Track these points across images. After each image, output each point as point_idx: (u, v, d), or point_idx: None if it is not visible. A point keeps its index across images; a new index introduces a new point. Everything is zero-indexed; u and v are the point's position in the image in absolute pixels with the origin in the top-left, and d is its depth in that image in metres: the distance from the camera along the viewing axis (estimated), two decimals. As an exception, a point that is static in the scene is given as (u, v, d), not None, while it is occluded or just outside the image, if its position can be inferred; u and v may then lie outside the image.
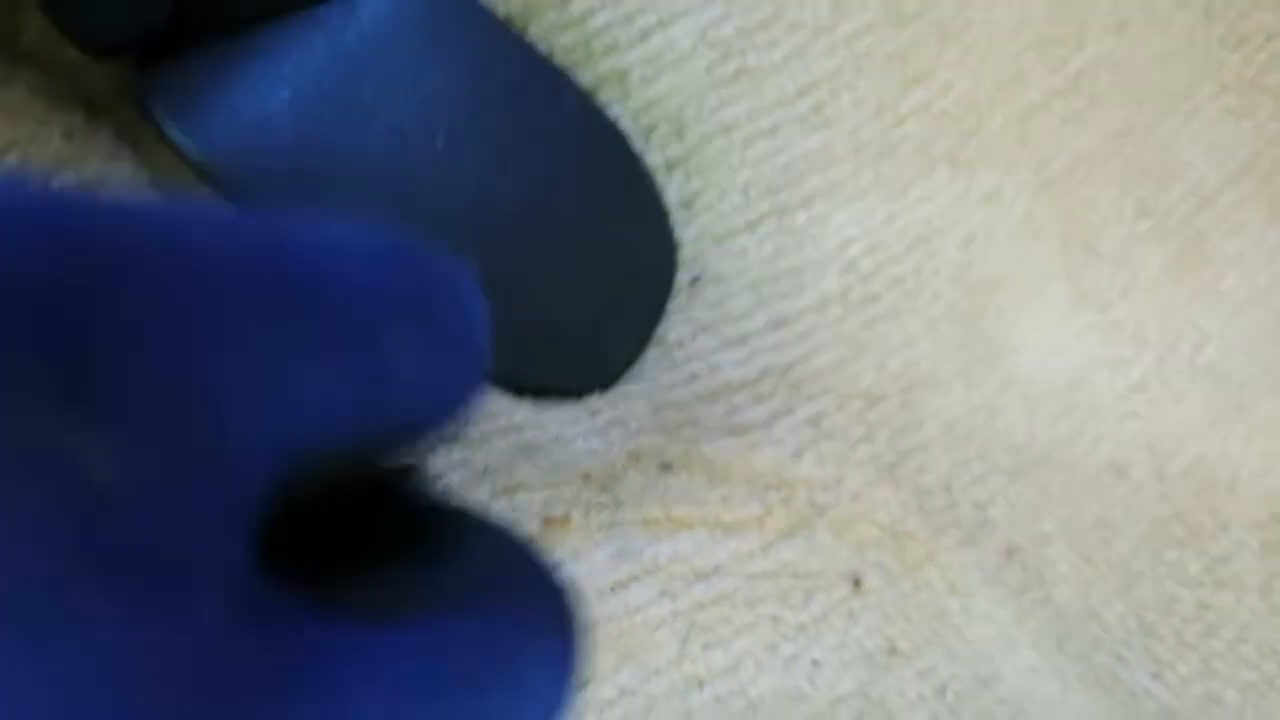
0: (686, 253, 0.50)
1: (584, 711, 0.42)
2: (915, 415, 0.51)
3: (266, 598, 0.17)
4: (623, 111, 0.50)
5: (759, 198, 0.51)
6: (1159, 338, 0.54)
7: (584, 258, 0.47)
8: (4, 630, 0.14)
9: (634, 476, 0.46)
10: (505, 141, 0.45)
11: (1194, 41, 0.57)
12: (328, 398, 0.17)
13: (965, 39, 0.54)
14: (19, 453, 0.14)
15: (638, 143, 0.50)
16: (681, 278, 0.50)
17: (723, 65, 0.50)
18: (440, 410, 0.20)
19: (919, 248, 0.53)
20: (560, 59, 0.49)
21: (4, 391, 0.14)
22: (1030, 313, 0.54)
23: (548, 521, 0.44)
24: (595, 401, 0.47)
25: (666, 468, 0.46)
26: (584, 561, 0.44)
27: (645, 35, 0.49)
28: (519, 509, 0.43)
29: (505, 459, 0.44)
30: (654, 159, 0.50)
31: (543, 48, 0.48)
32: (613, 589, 0.44)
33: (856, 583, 0.47)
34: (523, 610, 0.21)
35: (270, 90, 0.40)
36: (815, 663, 0.46)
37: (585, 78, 0.49)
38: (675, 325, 0.49)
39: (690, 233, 0.50)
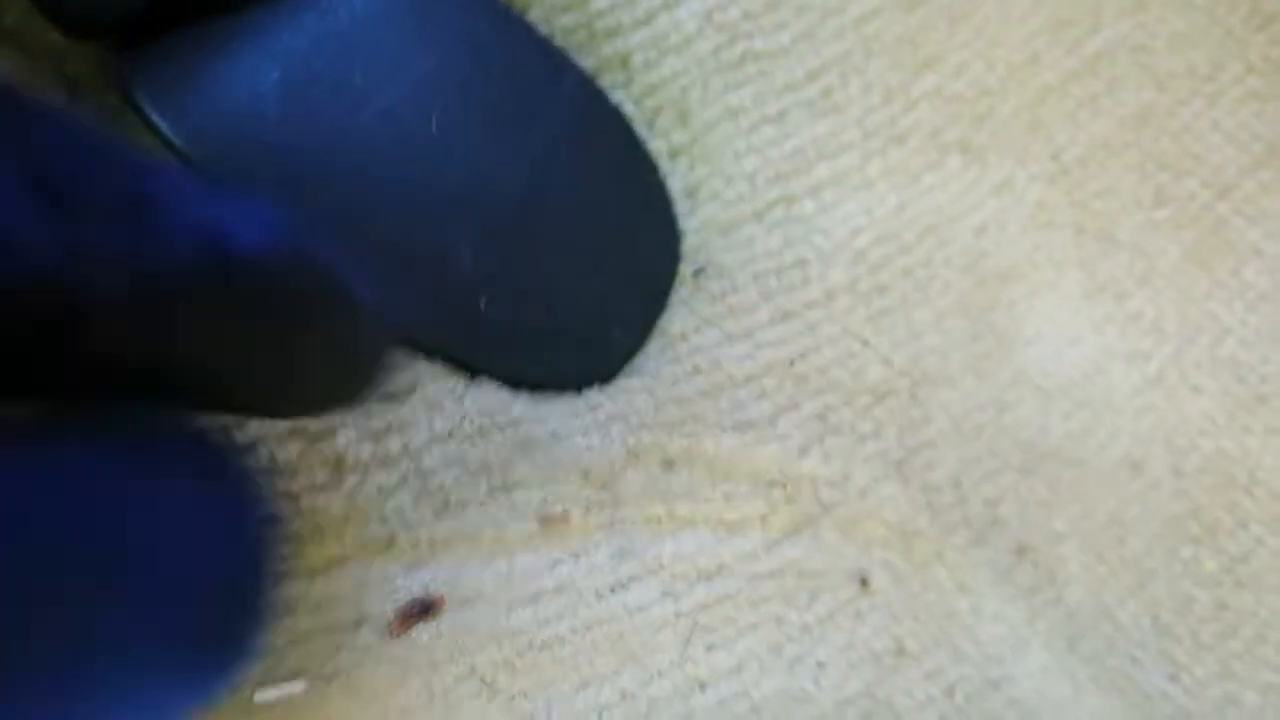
0: (690, 243, 0.49)
1: (584, 715, 0.41)
2: (924, 410, 0.50)
3: None
4: (625, 96, 0.49)
5: (765, 186, 0.50)
6: (1177, 329, 0.53)
7: (584, 247, 0.46)
8: None
9: (635, 473, 0.45)
10: (503, 126, 0.44)
11: (1216, 22, 0.56)
12: None
13: (977, 21, 0.53)
14: None
15: (640, 129, 0.49)
16: (685, 269, 0.49)
17: (729, 49, 0.49)
18: None
19: (929, 237, 0.51)
20: (561, 41, 0.48)
21: None
22: (1043, 304, 0.52)
23: (546, 520, 0.43)
24: (595, 396, 0.46)
25: (668, 464, 0.45)
26: (584, 561, 0.43)
27: (649, 17, 0.48)
28: (516, 507, 0.43)
29: (502, 455, 0.43)
30: (657, 145, 0.49)
31: (543, 29, 0.47)
32: (613, 589, 0.43)
33: (863, 582, 0.47)
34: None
35: (259, 72, 0.39)
36: (821, 664, 0.45)
37: (587, 61, 0.48)
38: (678, 318, 0.48)
39: (694, 222, 0.49)
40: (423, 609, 0.40)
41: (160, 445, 0.23)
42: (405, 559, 0.41)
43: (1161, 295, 0.54)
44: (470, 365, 0.43)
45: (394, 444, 0.41)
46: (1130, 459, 0.52)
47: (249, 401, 0.28)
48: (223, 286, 0.23)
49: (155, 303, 0.21)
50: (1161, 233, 0.54)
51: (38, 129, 0.20)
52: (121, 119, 0.40)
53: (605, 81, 0.48)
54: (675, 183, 0.49)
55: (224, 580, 0.23)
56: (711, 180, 0.49)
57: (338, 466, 0.40)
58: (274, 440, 0.39)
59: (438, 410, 0.42)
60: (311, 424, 0.39)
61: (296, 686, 0.38)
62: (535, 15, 0.47)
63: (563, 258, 0.46)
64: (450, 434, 0.42)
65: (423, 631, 0.40)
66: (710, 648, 0.44)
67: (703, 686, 0.43)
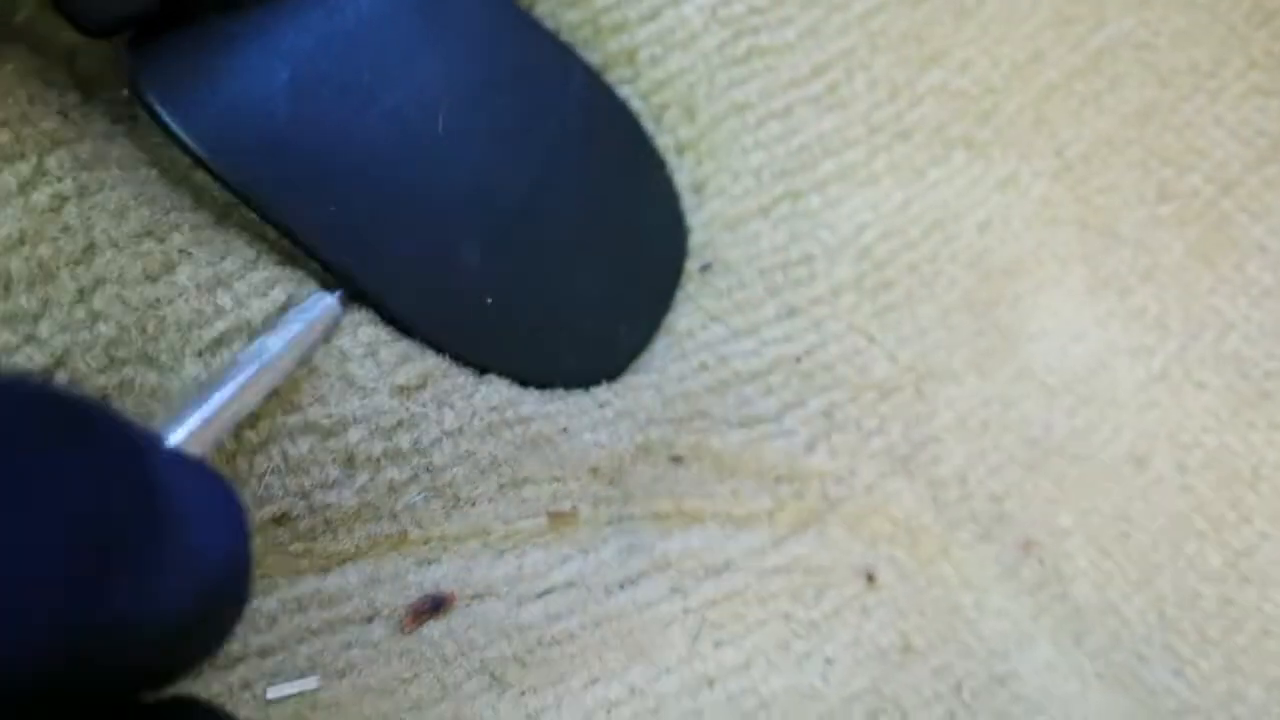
0: (697, 238, 0.49)
1: (594, 710, 0.41)
2: (929, 406, 0.50)
3: None
4: (632, 92, 0.49)
5: (771, 181, 0.50)
6: (1181, 325, 0.54)
7: (592, 244, 0.46)
8: None
9: (643, 469, 0.45)
10: (510, 124, 0.44)
11: (1218, 18, 0.56)
12: None
13: (982, 18, 0.53)
14: None
15: (647, 124, 0.49)
16: (691, 265, 0.49)
17: (734, 44, 0.50)
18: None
19: (935, 233, 0.52)
20: (567, 37, 0.48)
21: None
22: (1048, 300, 0.53)
23: (554, 516, 0.43)
24: (603, 392, 0.46)
25: (676, 460, 0.45)
26: (593, 557, 0.43)
27: (655, 12, 0.48)
28: (526, 503, 0.43)
29: (510, 452, 0.43)
30: (664, 141, 0.49)
31: (549, 25, 0.47)
32: (622, 585, 0.43)
33: (870, 578, 0.47)
34: None
35: (268, 71, 0.39)
36: (828, 660, 0.45)
37: (593, 57, 0.48)
38: (685, 314, 0.48)
39: (701, 218, 0.49)
40: (434, 605, 0.40)
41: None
42: (416, 555, 0.41)
43: (1165, 291, 0.54)
44: (479, 362, 0.43)
45: (404, 440, 0.41)
46: (1135, 454, 0.52)
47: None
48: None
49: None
50: (1165, 228, 0.54)
51: None
52: (132, 117, 0.40)
53: (612, 77, 0.48)
54: (682, 178, 0.49)
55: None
56: (718, 176, 0.49)
57: (349, 463, 0.40)
58: (285, 437, 0.39)
59: (447, 407, 0.42)
60: (323, 419, 0.39)
61: (310, 682, 0.38)
62: (541, 10, 0.47)
63: (570, 254, 0.46)
64: (460, 430, 0.42)
65: (434, 627, 0.40)
66: (718, 644, 0.44)
67: (711, 683, 0.43)
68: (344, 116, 0.41)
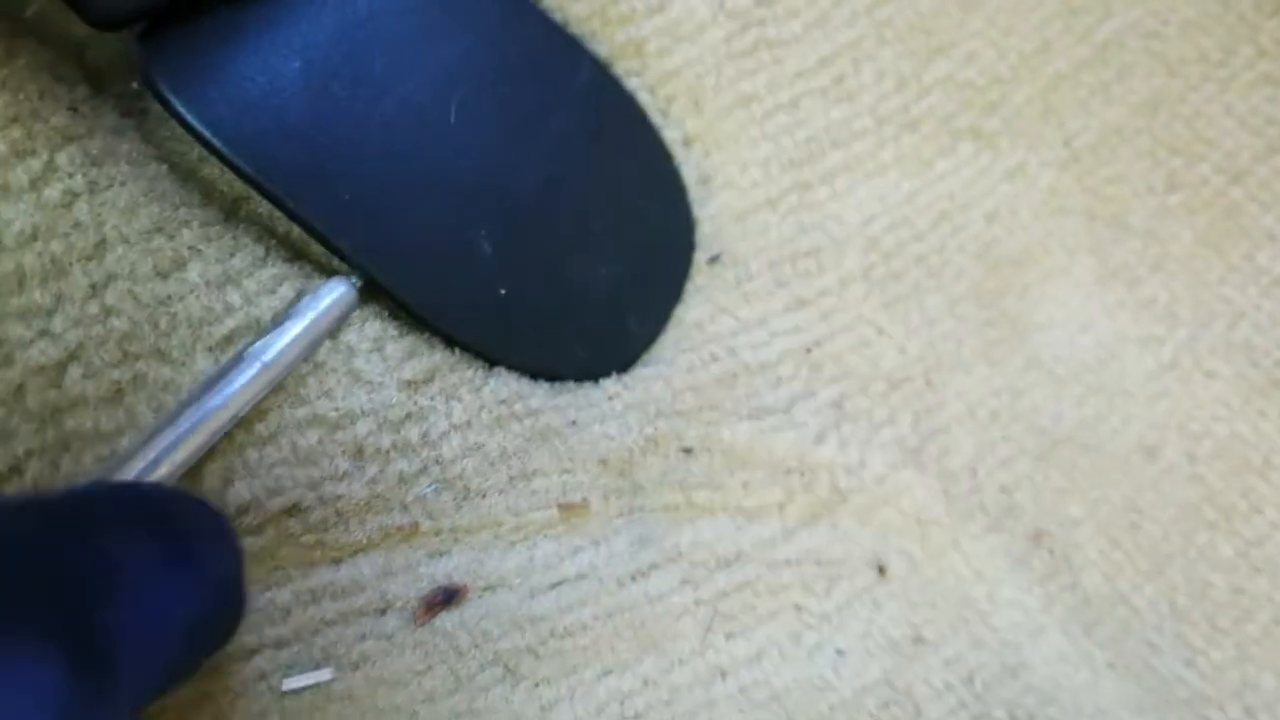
0: (705, 231, 0.49)
1: (607, 702, 0.41)
2: (939, 397, 0.50)
3: None
4: (639, 84, 0.49)
5: (779, 173, 0.50)
6: (1191, 314, 0.53)
7: (600, 236, 0.46)
8: None
9: (653, 461, 0.45)
10: (520, 116, 0.44)
11: (1227, 7, 0.56)
12: None
13: (989, 9, 0.53)
14: None
15: (655, 116, 0.49)
16: (700, 256, 0.49)
17: (741, 36, 0.50)
18: None
19: (942, 224, 0.52)
20: (575, 29, 0.48)
21: None
22: (1056, 290, 0.53)
23: (566, 508, 0.43)
24: (612, 384, 0.46)
25: (686, 452, 0.45)
26: (604, 549, 0.43)
27: (662, 5, 0.48)
28: (536, 494, 0.43)
29: (520, 444, 0.43)
30: (672, 133, 0.49)
31: (557, 17, 0.47)
32: (633, 577, 0.43)
33: (881, 570, 0.47)
34: None
35: (280, 62, 0.39)
36: (839, 652, 0.45)
37: (601, 49, 0.48)
38: (694, 306, 0.48)
39: (709, 210, 0.49)
40: (446, 596, 0.40)
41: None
42: (428, 547, 0.41)
43: (1175, 280, 0.54)
44: (490, 354, 0.43)
45: (413, 433, 0.41)
46: (1145, 444, 0.52)
47: None
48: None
49: None
50: (1174, 218, 0.54)
51: None
52: (142, 110, 0.40)
53: (619, 69, 0.48)
54: (689, 171, 0.49)
55: None
56: (726, 168, 0.49)
57: (358, 455, 0.40)
58: (294, 429, 0.39)
59: (455, 400, 0.42)
60: (331, 413, 0.39)
61: (324, 674, 0.38)
62: (549, 3, 0.47)
63: (579, 247, 0.46)
64: (469, 423, 0.42)
65: (447, 619, 0.40)
66: (730, 635, 0.44)
67: (723, 674, 0.43)
68: (356, 106, 0.41)
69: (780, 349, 0.49)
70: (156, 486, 0.34)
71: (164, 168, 0.40)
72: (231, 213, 0.41)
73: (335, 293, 0.40)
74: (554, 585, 0.42)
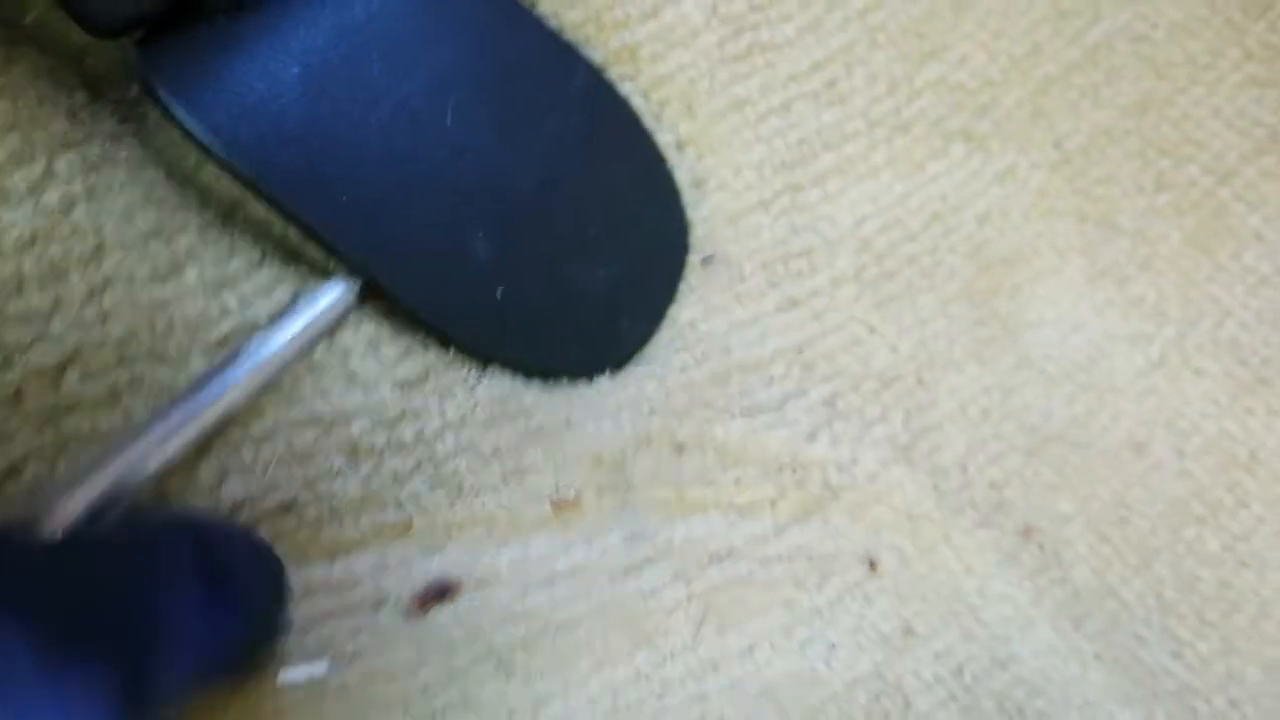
0: (698, 232, 0.49)
1: (599, 695, 0.42)
2: (930, 395, 0.51)
3: None
4: (633, 89, 0.49)
5: (772, 175, 0.50)
6: (1179, 313, 0.54)
7: (595, 237, 0.47)
8: None
9: (646, 458, 0.45)
10: (514, 118, 0.45)
11: (1215, 10, 0.56)
12: None
13: (979, 12, 0.53)
14: None
15: (648, 120, 0.49)
16: (693, 258, 0.49)
17: (734, 41, 0.50)
18: None
19: (934, 225, 0.52)
20: (570, 34, 0.48)
21: None
22: (1046, 290, 0.53)
23: (559, 504, 0.43)
24: (606, 383, 0.46)
25: (679, 449, 0.46)
26: (597, 544, 0.44)
27: (656, 10, 0.49)
28: (530, 491, 0.43)
29: (514, 442, 0.43)
30: (665, 137, 0.49)
31: (552, 23, 0.48)
32: (626, 572, 0.44)
33: (872, 565, 0.47)
34: None
35: (277, 68, 0.40)
36: (831, 645, 0.45)
37: (595, 54, 0.48)
38: (687, 306, 0.49)
39: (702, 212, 0.49)
40: (440, 591, 0.41)
41: None
42: (422, 543, 0.41)
43: (1163, 280, 0.54)
44: (484, 354, 0.44)
45: (407, 431, 0.42)
46: (1134, 441, 0.52)
47: None
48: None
49: None
50: (1163, 218, 0.55)
51: None
52: (140, 117, 0.41)
53: (613, 74, 0.49)
54: (683, 173, 0.50)
55: None
56: (719, 170, 0.50)
57: (353, 453, 0.40)
58: (290, 428, 0.40)
59: (449, 399, 0.43)
60: (326, 412, 0.40)
61: (319, 667, 0.38)
62: (544, 8, 0.48)
63: (574, 248, 0.46)
64: (462, 421, 0.43)
65: (441, 613, 0.41)
66: (722, 630, 0.44)
67: (715, 667, 0.44)
68: (353, 110, 0.41)
69: (773, 348, 0.49)
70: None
71: (161, 173, 0.40)
72: (228, 217, 0.41)
73: (333, 294, 0.40)
74: (547, 580, 0.43)
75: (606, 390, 0.46)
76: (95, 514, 0.34)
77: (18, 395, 0.36)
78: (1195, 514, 0.52)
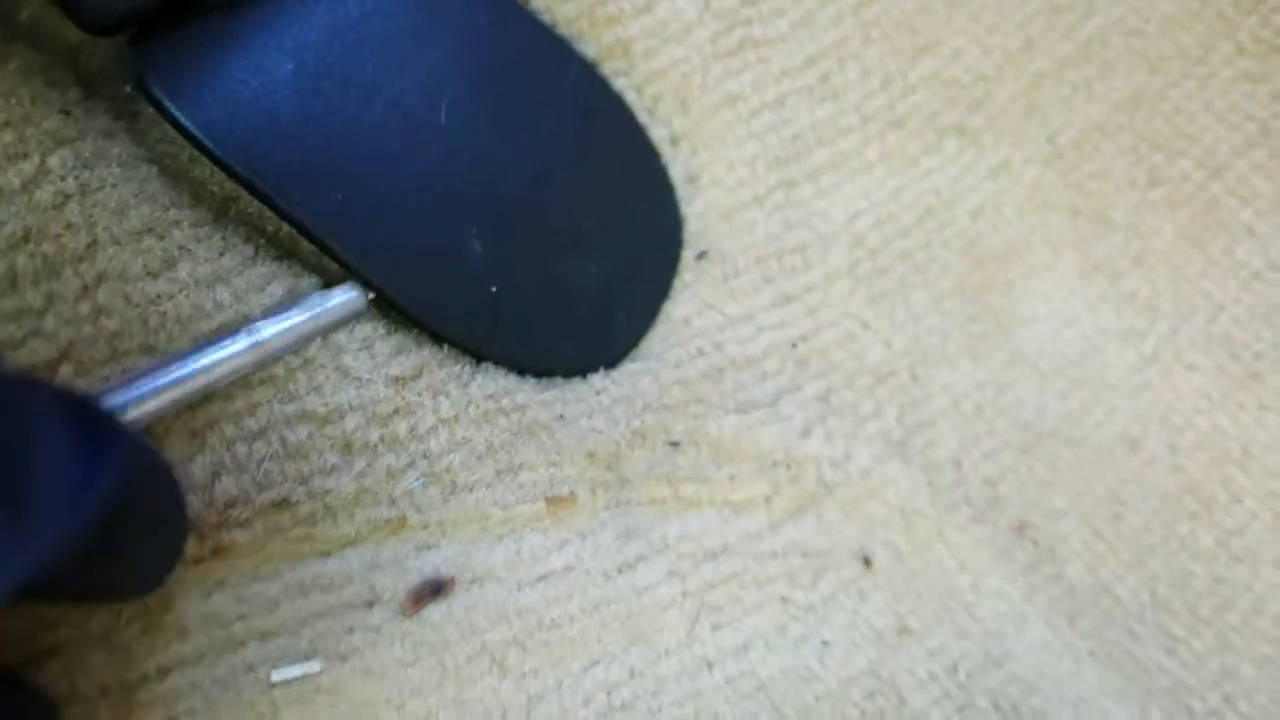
0: (692, 228, 0.49)
1: (594, 693, 0.42)
2: (924, 391, 0.51)
3: None
4: (627, 84, 0.49)
5: (765, 171, 0.50)
6: (1172, 308, 0.54)
7: (589, 234, 0.47)
8: None
9: (640, 455, 0.45)
10: (508, 114, 0.45)
11: (1207, 4, 0.56)
12: None
13: (973, 6, 0.53)
14: None
15: (642, 116, 0.49)
16: (687, 254, 0.49)
17: (727, 36, 0.50)
18: None
19: (928, 220, 0.52)
20: (563, 30, 0.48)
21: None
22: (1040, 285, 0.53)
23: (553, 501, 0.43)
24: (600, 380, 0.46)
25: (673, 446, 0.46)
26: (590, 541, 0.44)
27: (649, 5, 0.49)
28: (524, 488, 0.43)
29: (508, 439, 0.43)
30: (659, 132, 0.49)
31: (546, 18, 0.47)
32: (620, 569, 0.44)
33: (866, 561, 0.47)
34: None
35: (271, 64, 0.40)
36: (825, 643, 0.45)
37: (588, 49, 0.48)
38: (681, 302, 0.49)
39: (696, 207, 0.49)
40: (434, 589, 0.41)
41: None
42: (415, 540, 0.41)
43: (1156, 274, 0.54)
44: (480, 351, 0.44)
45: (401, 428, 0.41)
46: (1127, 436, 0.52)
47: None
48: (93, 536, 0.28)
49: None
50: (1155, 213, 0.55)
51: None
52: (133, 113, 0.41)
53: (607, 69, 0.49)
54: (677, 169, 0.50)
55: None
56: (712, 166, 0.50)
57: (346, 449, 0.40)
58: (283, 424, 0.40)
59: (443, 396, 0.43)
60: (319, 408, 0.40)
61: (313, 666, 0.38)
62: (537, 4, 0.47)
63: (568, 245, 0.46)
64: (456, 418, 0.43)
65: (434, 611, 0.41)
66: (716, 627, 0.44)
67: (710, 665, 0.44)
68: (347, 107, 0.41)
69: (766, 344, 0.49)
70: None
71: (154, 170, 0.40)
72: (221, 213, 0.41)
73: (345, 297, 0.40)
74: (541, 578, 0.42)
75: (600, 386, 0.46)
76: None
77: (11, 392, 0.36)
78: (1189, 509, 0.52)
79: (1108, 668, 0.49)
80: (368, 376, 0.41)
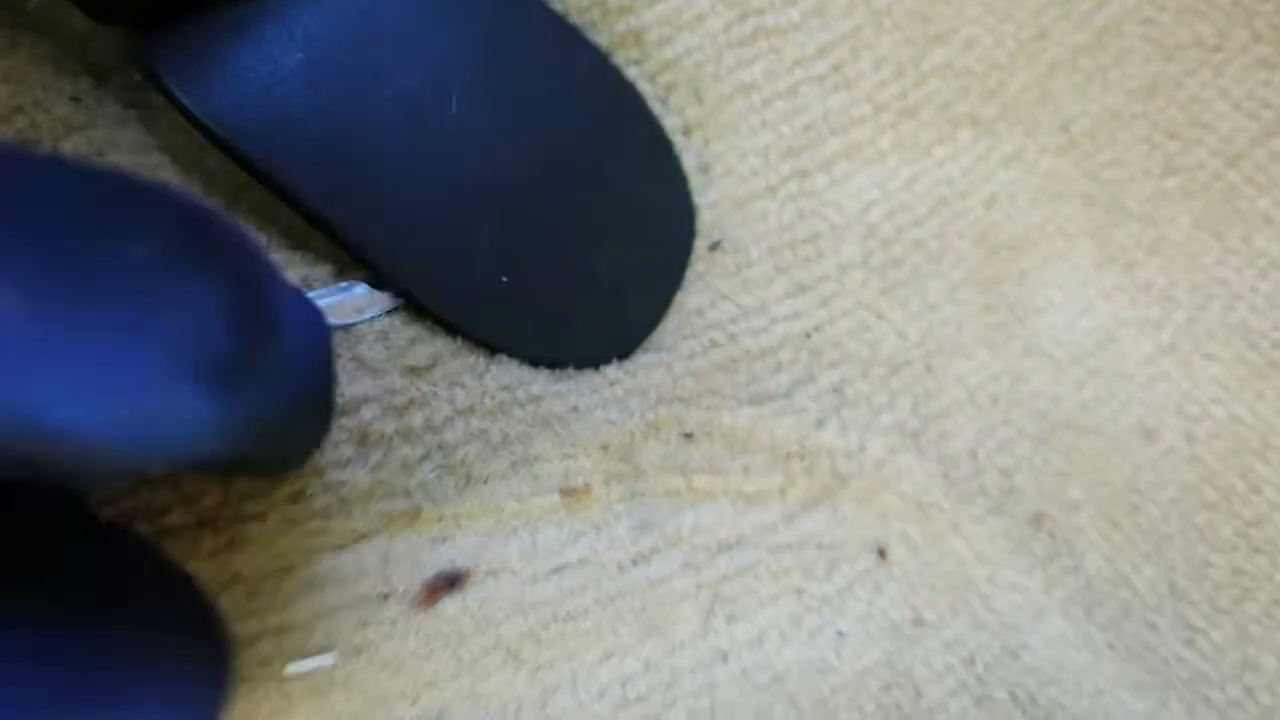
0: (705, 218, 0.49)
1: (608, 685, 0.42)
2: (938, 381, 0.50)
3: None
4: (639, 73, 0.49)
5: (779, 160, 0.50)
6: (1188, 297, 0.54)
7: (601, 224, 0.46)
8: None
9: (654, 446, 0.45)
10: (520, 104, 0.45)
11: (1223, -9, 0.56)
12: None
13: (986, -5, 0.53)
14: None
15: (655, 105, 0.49)
16: (700, 244, 0.49)
17: (740, 25, 0.50)
18: None
19: (941, 210, 0.52)
20: (575, 18, 0.48)
21: None
22: (1055, 274, 0.53)
23: (568, 493, 0.43)
24: (613, 371, 0.46)
25: (687, 437, 0.46)
26: (605, 533, 0.43)
27: (661, -6, 0.49)
28: (538, 480, 0.43)
29: (522, 430, 0.43)
30: (672, 122, 0.49)
31: (557, 7, 0.47)
32: (635, 561, 0.43)
33: (881, 553, 0.47)
34: (143, 634, 0.23)
35: (281, 53, 0.40)
36: (840, 634, 0.45)
37: (600, 38, 0.48)
38: (694, 292, 0.48)
39: (709, 197, 0.49)
40: (449, 582, 0.41)
41: None
42: (430, 533, 0.41)
43: (1172, 264, 0.54)
44: (492, 342, 0.44)
45: (416, 419, 0.41)
46: (1144, 427, 0.52)
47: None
48: None
49: None
50: (1171, 202, 0.54)
51: None
52: (143, 102, 0.41)
53: (619, 59, 0.49)
54: (689, 159, 0.49)
55: None
56: (725, 156, 0.50)
57: (362, 441, 0.40)
58: (298, 417, 0.39)
59: (458, 386, 0.42)
60: (337, 399, 0.40)
61: (327, 659, 0.38)
62: (549, -8, 0.47)
63: (580, 234, 0.46)
64: (471, 409, 0.42)
65: (449, 604, 0.40)
66: (731, 619, 0.44)
67: (725, 657, 0.44)
68: (358, 96, 0.41)
69: (780, 334, 0.49)
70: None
71: (165, 158, 0.40)
72: (232, 202, 0.41)
73: (373, 294, 0.40)
74: (556, 570, 0.42)
75: (614, 377, 0.46)
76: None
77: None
78: (1207, 500, 0.52)
79: (1126, 659, 0.48)
80: (383, 367, 0.41)
